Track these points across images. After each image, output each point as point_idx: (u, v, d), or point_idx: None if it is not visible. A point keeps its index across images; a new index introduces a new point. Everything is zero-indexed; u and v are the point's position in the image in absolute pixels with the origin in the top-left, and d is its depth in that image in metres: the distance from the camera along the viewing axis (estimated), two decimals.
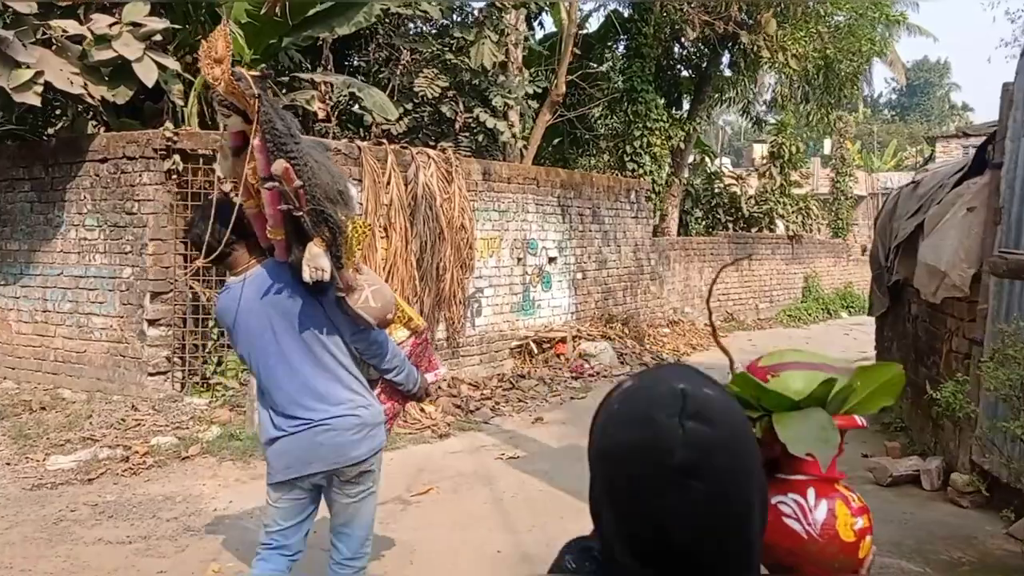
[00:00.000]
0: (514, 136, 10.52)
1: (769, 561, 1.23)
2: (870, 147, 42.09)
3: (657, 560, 0.93)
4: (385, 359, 3.12)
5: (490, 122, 10.30)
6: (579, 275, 11.57)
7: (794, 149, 19.46)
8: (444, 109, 10.47)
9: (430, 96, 10.20)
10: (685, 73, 16.85)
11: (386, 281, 6.39)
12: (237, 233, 2.91)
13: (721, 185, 19.09)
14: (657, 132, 14.95)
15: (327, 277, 2.74)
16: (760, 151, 34.57)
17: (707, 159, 19.08)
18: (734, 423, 0.96)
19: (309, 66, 10.29)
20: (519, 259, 10.42)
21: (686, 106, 16.97)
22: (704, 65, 16.25)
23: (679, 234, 16.63)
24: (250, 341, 2.98)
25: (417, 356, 3.46)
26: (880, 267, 7.64)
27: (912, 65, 54.67)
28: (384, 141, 8.55)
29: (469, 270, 9.29)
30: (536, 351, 10.40)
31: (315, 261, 2.71)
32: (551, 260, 10.99)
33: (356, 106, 10.22)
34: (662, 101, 15.22)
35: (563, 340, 10.56)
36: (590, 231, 11.83)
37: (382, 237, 8.12)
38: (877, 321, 8.45)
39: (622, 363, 10.68)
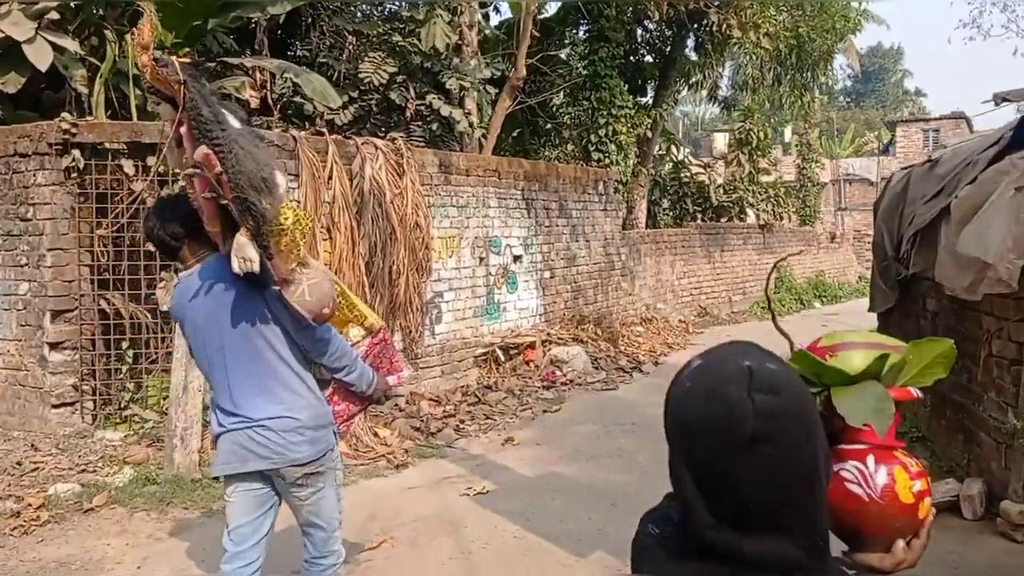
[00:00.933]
0: (471, 125, 9.57)
1: (833, 526, 1.27)
2: (829, 134, 41.80)
3: (736, 519, 1.04)
4: (332, 357, 3.03)
5: (445, 109, 9.34)
6: (547, 274, 10.66)
7: (762, 135, 18.79)
8: (393, 96, 9.50)
9: (377, 82, 9.22)
10: (649, 58, 16.04)
11: None
12: (187, 226, 2.89)
13: (688, 174, 18.32)
14: (623, 120, 14.11)
15: (256, 268, 2.66)
16: (721, 141, 34.06)
17: (673, 148, 18.29)
18: (797, 393, 1.08)
19: (242, 51, 9.25)
20: (481, 259, 9.49)
21: (651, 93, 16.16)
22: (668, 49, 15.44)
23: (648, 226, 15.83)
24: (197, 335, 2.99)
25: (375, 357, 3.38)
26: (886, 258, 6.83)
27: (866, 51, 54.62)
28: (324, 131, 7.56)
29: (426, 273, 8.33)
30: (503, 359, 9.48)
31: (242, 251, 2.65)
32: (516, 259, 10.07)
33: (297, 95, 9.21)
34: (626, 87, 14.40)
35: (532, 346, 9.67)
36: (557, 226, 10.93)
37: (324, 239, 7.14)
38: (880, 318, 7.64)
39: (596, 368, 9.81)
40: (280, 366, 2.93)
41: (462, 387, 8.81)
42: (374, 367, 3.30)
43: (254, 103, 8.35)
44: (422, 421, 7.40)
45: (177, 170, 3.00)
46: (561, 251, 11.00)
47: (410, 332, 8.20)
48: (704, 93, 16.96)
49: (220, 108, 2.74)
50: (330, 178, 7.20)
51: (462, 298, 9.18)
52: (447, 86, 9.29)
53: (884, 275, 6.86)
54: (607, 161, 13.66)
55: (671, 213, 17.75)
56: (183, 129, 2.71)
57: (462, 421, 7.63)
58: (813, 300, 19.67)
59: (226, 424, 2.94)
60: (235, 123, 2.78)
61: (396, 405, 8.02)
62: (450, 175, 8.92)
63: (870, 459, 1.36)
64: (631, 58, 15.74)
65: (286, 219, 2.75)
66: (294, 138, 6.98)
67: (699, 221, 17.47)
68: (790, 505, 1.04)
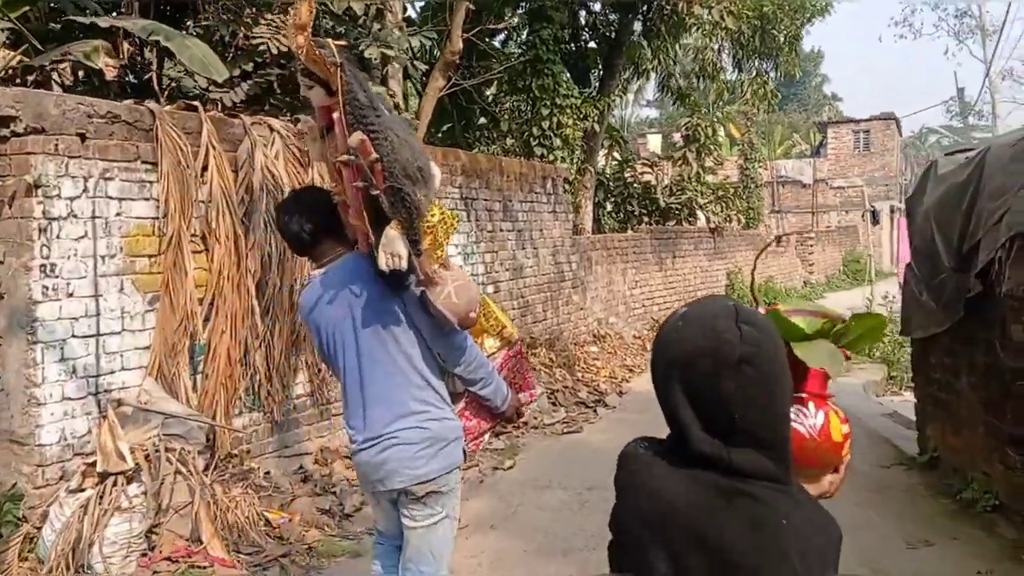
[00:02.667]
0: (397, 106, 7.74)
1: None
2: (760, 136, 41.00)
3: (725, 434, 1.29)
4: (470, 367, 2.83)
5: None
6: (490, 288, 8.87)
7: (709, 131, 17.40)
8: (296, 69, 7.60)
9: (275, 51, 7.31)
10: (593, 44, 14.44)
11: (206, 319, 5.33)
12: (323, 221, 2.79)
13: (633, 173, 16.77)
14: (568, 111, 12.48)
15: (404, 264, 2.51)
16: (655, 142, 32.84)
17: (618, 145, 16.72)
18: (771, 328, 1.36)
19: (101, 10, 7.22)
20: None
21: (595, 83, 14.57)
22: (614, 33, 13.87)
23: (593, 231, 14.23)
24: (329, 335, 2.80)
25: (510, 371, 3.17)
26: (937, 269, 5.28)
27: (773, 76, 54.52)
28: (199, 106, 5.65)
29: None
30: None
31: (391, 246, 2.49)
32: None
33: (173, 65, 7.24)
34: (568, 76, 12.79)
35: None
36: (501, 231, 9.15)
37: (196, 251, 5.24)
38: (918, 344, 6.11)
39: (554, 404, 8.09)
40: (412, 373, 2.74)
41: None
42: (507, 381, 3.08)
43: (110, 73, 6.38)
44: (335, 496, 5.54)
45: (318, 161, 2.92)
46: (506, 261, 9.24)
47: (318, 371, 6.33)
48: (637, 89, 15.46)
49: (374, 94, 2.64)
50: (204, 169, 5.30)
51: None
52: (366, 55, 7.44)
53: (937, 291, 5.30)
54: (551, 157, 12.02)
55: (616, 216, 16.21)
56: (335, 115, 2.56)
57: None
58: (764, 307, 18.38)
59: (358, 440, 2.79)
60: (386, 111, 2.64)
61: (301, 468, 6.16)
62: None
63: (811, 404, 1.64)
64: (574, 44, 14.13)
65: (432, 216, 2.63)
66: (151, 112, 5.06)
67: (645, 225, 15.98)
68: (768, 423, 1.31)
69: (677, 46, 13.67)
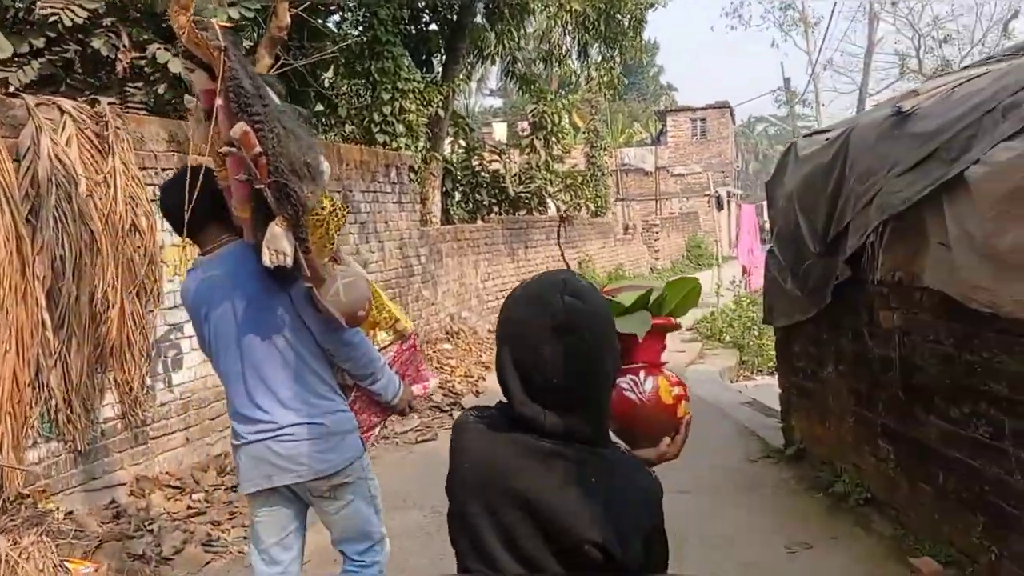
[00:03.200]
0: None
1: (615, 426, 1.67)
2: (603, 124, 41.58)
3: (542, 397, 1.37)
4: (359, 364, 2.79)
5: (175, 65, 6.58)
6: None
7: (556, 118, 17.18)
8: (98, 45, 6.61)
9: (68, 23, 6.32)
10: (434, 27, 13.84)
11: None
12: (210, 207, 2.62)
13: (481, 162, 16.31)
14: (411, 96, 11.85)
15: (289, 262, 2.43)
16: (501, 131, 32.69)
17: (463, 132, 16.17)
18: (598, 303, 1.45)
19: None
20: None
21: (438, 68, 14.00)
22: (456, 16, 13.33)
23: (442, 222, 13.68)
24: (210, 327, 2.72)
25: (403, 364, 3.10)
26: (802, 255, 5.06)
27: (619, 61, 55.71)
28: None
29: (153, 298, 5.63)
30: None
31: (275, 243, 2.41)
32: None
33: None
34: (410, 60, 12.16)
35: None
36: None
37: None
38: (780, 332, 5.90)
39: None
40: (303, 369, 2.67)
41: (216, 460, 6.17)
42: (400, 375, 3.00)
43: None
44: (152, 534, 4.75)
45: (202, 145, 2.58)
46: (349, 255, 8.53)
47: (131, 390, 5.47)
48: (480, 78, 15.02)
49: (261, 81, 2.51)
50: None
51: None
52: (170, 23, 6.55)
53: (802, 278, 5.07)
54: (395, 145, 11.37)
55: (465, 206, 15.71)
56: (219, 102, 2.40)
57: (216, 524, 5.04)
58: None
59: (245, 435, 2.68)
60: (275, 99, 2.54)
61: (113, 503, 5.31)
62: (187, 155, 6.23)
63: (642, 373, 1.77)
64: (415, 27, 13.50)
65: (322, 208, 2.55)
66: None
67: (495, 214, 15.58)
68: (584, 389, 1.39)
69: (521, 30, 13.26)
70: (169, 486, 5.63)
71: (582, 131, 24.52)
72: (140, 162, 5.70)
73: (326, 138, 12.60)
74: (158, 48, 6.72)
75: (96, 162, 5.31)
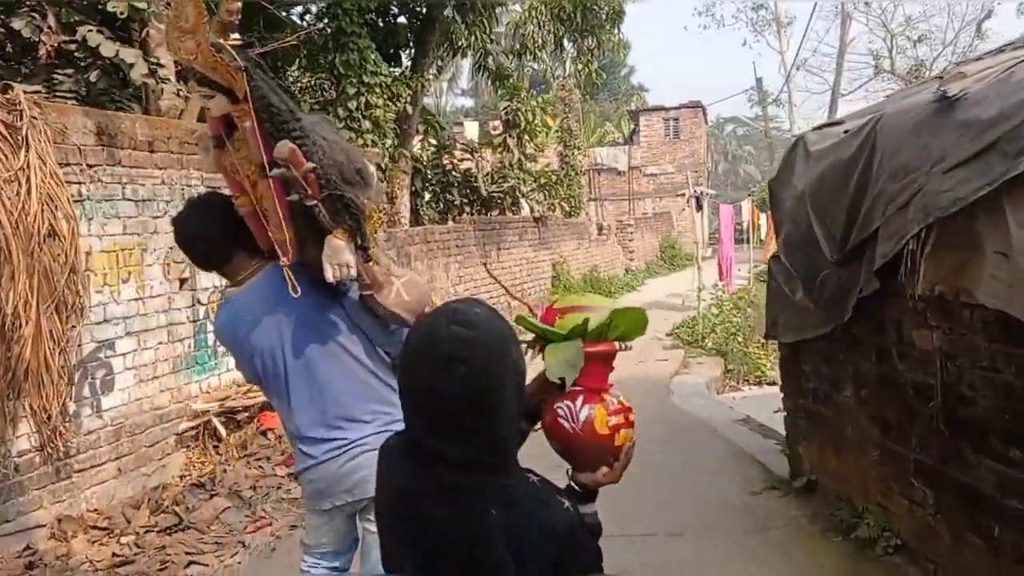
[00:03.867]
0: (156, 75, 6.15)
1: (556, 448, 1.71)
2: (576, 122, 40.88)
3: (439, 428, 1.38)
4: None
5: (108, 48, 5.85)
6: None
7: (530, 116, 16.58)
8: (19, 27, 5.86)
9: None
10: (403, 19, 13.14)
11: None
12: (236, 236, 2.56)
13: (452, 161, 15.64)
14: (378, 90, 11.18)
15: (354, 274, 2.38)
16: (472, 130, 32.05)
17: (433, 129, 15.46)
18: (492, 330, 1.42)
19: None
20: (183, 280, 6.17)
21: (407, 63, 13.31)
22: (425, 7, 12.65)
23: (412, 222, 13.00)
24: (261, 359, 2.59)
25: None
26: (816, 262, 4.46)
27: (596, 54, 55.11)
28: None
29: (76, 313, 4.93)
30: (226, 432, 6.23)
31: (338, 256, 2.34)
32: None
33: None
34: (377, 52, 11.47)
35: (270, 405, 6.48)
36: None
37: None
38: (786, 349, 5.31)
39: None
40: (371, 379, 2.59)
41: (154, 491, 5.46)
42: None
43: None
44: None
45: (213, 173, 2.66)
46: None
47: (49, 417, 4.76)
48: (452, 76, 14.32)
49: (286, 96, 2.37)
50: None
51: (151, 345, 5.81)
52: (109, 8, 5.82)
53: (818, 289, 4.48)
54: (360, 141, 10.69)
55: (435, 207, 15.03)
56: (246, 124, 2.33)
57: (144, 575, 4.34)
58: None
59: (316, 455, 2.57)
60: (306, 116, 2.43)
61: (28, 549, 4.60)
62: (119, 150, 5.52)
63: (579, 400, 1.68)
64: (382, 19, 12.79)
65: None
66: None
67: (467, 215, 14.93)
68: (480, 418, 1.38)
69: (494, 22, 12.61)
70: (96, 527, 4.92)
71: (555, 130, 23.96)
72: (62, 157, 4.99)
73: None
74: (89, 31, 5.99)
75: (6, 156, 4.59)
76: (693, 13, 59.76)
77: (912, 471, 3.86)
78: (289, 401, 2.60)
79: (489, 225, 14.27)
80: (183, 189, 6.19)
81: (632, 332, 1.78)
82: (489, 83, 17.54)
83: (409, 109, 12.14)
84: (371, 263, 2.46)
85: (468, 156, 15.91)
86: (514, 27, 13.79)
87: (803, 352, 5.00)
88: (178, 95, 7.13)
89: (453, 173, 15.46)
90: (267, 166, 2.30)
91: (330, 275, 2.35)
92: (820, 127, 4.95)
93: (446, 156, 15.43)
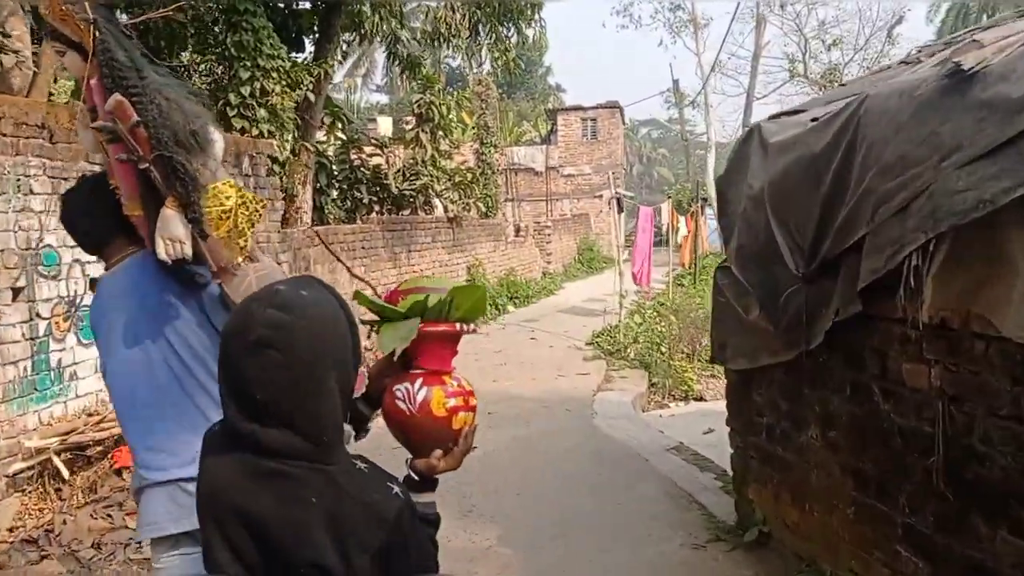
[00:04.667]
0: (7, 49, 5.04)
1: (395, 434, 1.68)
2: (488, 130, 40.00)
3: (255, 414, 1.33)
4: None
5: None
6: None
7: (444, 110, 15.69)
8: None
9: None
10: (306, 4, 12.09)
11: None
12: (115, 217, 2.32)
13: (360, 156, 14.58)
14: (274, 76, 10.12)
15: (187, 252, 2.14)
16: (386, 126, 30.99)
17: (340, 123, 14.36)
18: (316, 315, 1.37)
19: None
20: (16, 290, 5.13)
21: (310, 48, 12.27)
22: None
23: (315, 221, 11.97)
24: (111, 351, 2.35)
25: None
26: (780, 278, 3.74)
27: (515, 43, 54.40)
28: None
29: None
30: (70, 473, 5.19)
31: (167, 229, 2.12)
32: (94, 283, 5.76)
33: None
34: (274, 33, 10.43)
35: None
36: None
37: None
38: (735, 376, 4.57)
39: None
40: (213, 385, 2.25)
41: None
42: None
43: None
44: None
45: (93, 152, 2.32)
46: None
47: None
48: (365, 73, 13.32)
49: (139, 54, 2.20)
50: None
51: None
52: None
53: (781, 309, 3.74)
54: (255, 132, 9.64)
55: (342, 205, 13.98)
56: (92, 82, 2.15)
57: None
58: (507, 304, 17.04)
59: (154, 470, 2.27)
60: (157, 76, 2.22)
61: None
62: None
63: (418, 382, 1.66)
64: (282, 2, 11.72)
65: (228, 198, 2.18)
66: None
67: (376, 214, 13.96)
68: (296, 404, 1.33)
69: (405, 6, 11.67)
70: None
71: (471, 127, 23.14)
72: None
73: None
74: None
75: None
76: (611, 13, 59.48)
77: (900, 536, 3.15)
78: (128, 403, 2.35)
79: (398, 225, 13.34)
80: (18, 180, 5.13)
81: (475, 313, 1.74)
82: (404, 79, 16.58)
83: (311, 98, 11.09)
84: (209, 242, 2.16)
85: (378, 152, 14.91)
86: (427, 11, 12.84)
87: (756, 380, 4.27)
88: (31, 68, 6.03)
89: (362, 169, 14.42)
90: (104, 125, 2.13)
91: (162, 251, 2.14)
92: (776, 116, 4.22)
93: (354, 151, 14.39)
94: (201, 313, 2.33)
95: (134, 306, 2.31)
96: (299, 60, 11.51)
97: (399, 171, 15.02)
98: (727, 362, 4.49)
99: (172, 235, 2.12)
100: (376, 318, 1.72)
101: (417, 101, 15.54)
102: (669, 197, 24.07)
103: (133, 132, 2.09)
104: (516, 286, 18.33)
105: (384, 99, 50.35)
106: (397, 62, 12.77)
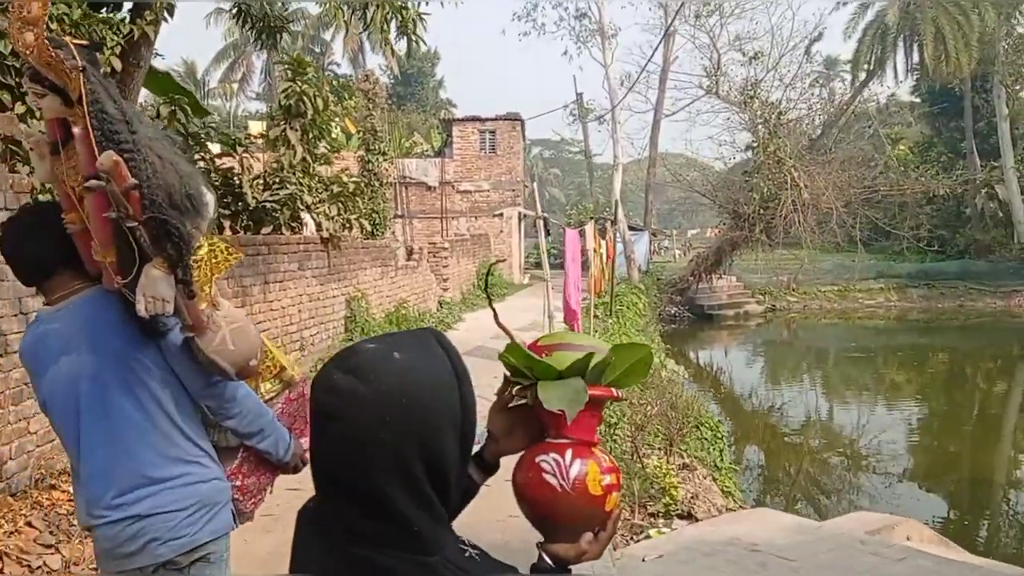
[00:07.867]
0: None
1: (532, 513, 1.39)
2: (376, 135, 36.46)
3: (324, 485, 1.16)
4: (245, 420, 2.43)
5: None
6: None
7: (320, 103, 12.43)
8: None
9: None
10: None
11: None
12: (60, 250, 2.27)
13: (207, 157, 11.06)
14: (54, 27, 6.71)
15: (169, 309, 2.13)
16: (257, 130, 27.27)
17: (183, 113, 10.75)
18: (393, 384, 1.10)
19: None
20: None
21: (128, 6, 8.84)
22: None
23: None
24: (57, 391, 2.29)
25: (291, 415, 2.71)
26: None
27: (404, 52, 51.17)
28: None
29: None
30: None
31: (153, 288, 2.10)
32: None
33: None
34: None
35: None
36: None
37: None
38: None
39: None
40: (174, 432, 2.30)
41: None
42: (289, 428, 2.65)
43: None
44: None
45: (46, 183, 2.48)
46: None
47: None
48: (242, 77, 9.91)
49: (129, 106, 2.20)
50: None
51: None
52: None
53: None
54: (22, 108, 6.22)
55: None
56: (76, 130, 2.10)
57: None
58: None
59: (103, 514, 2.26)
60: (144, 128, 2.20)
61: None
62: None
63: (568, 452, 1.40)
64: None
65: (199, 248, 2.29)
66: None
67: (228, 233, 10.56)
68: (374, 486, 1.09)
69: None
70: None
71: (357, 135, 19.86)
72: None
73: None
74: None
75: None
76: (513, 18, 56.94)
77: None
78: (79, 444, 2.26)
79: (254, 247, 9.94)
80: None
81: (634, 376, 1.50)
82: (268, 61, 13.14)
83: (117, 65, 7.65)
84: (194, 302, 2.17)
85: (230, 152, 11.48)
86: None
87: None
88: None
89: (211, 174, 10.94)
90: (91, 177, 2.06)
91: (142, 308, 2.09)
92: None
93: (198, 152, 10.87)
94: (160, 357, 2.25)
95: (84, 347, 2.24)
96: (102, 14, 8.08)
97: (257, 178, 11.61)
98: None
99: (157, 294, 2.09)
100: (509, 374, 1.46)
101: (285, 91, 12.22)
102: (592, 219, 21.26)
103: (127, 193, 2.02)
104: (407, 321, 15.08)
105: (263, 107, 46.39)
106: (248, 24, 9.35)
